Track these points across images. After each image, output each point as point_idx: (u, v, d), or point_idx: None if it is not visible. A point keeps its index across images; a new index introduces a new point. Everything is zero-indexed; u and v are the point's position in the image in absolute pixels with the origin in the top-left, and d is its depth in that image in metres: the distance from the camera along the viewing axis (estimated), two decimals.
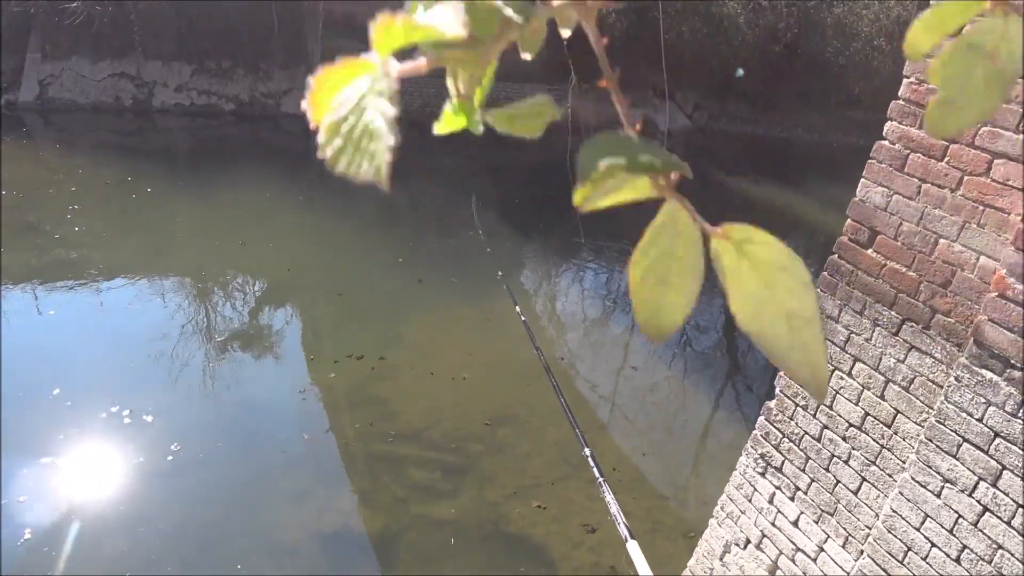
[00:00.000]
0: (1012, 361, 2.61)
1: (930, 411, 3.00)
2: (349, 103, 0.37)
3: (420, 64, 0.39)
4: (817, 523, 3.49)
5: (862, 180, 3.29)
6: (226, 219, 10.87)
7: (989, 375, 2.68)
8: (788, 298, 0.39)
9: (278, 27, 14.99)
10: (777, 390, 3.69)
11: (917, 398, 3.08)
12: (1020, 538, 2.59)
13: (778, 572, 3.69)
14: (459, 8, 0.38)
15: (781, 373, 3.77)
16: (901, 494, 3.00)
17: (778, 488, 3.69)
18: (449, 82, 0.43)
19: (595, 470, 3.44)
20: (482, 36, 0.40)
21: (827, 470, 3.44)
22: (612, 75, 0.43)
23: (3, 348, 6.92)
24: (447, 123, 0.44)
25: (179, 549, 5.04)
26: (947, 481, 2.83)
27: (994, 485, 2.67)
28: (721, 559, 4.05)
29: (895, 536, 3.01)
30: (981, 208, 2.85)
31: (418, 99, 15.52)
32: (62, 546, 4.94)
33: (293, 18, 15.20)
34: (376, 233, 10.96)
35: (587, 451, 3.63)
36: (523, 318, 4.59)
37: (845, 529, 3.36)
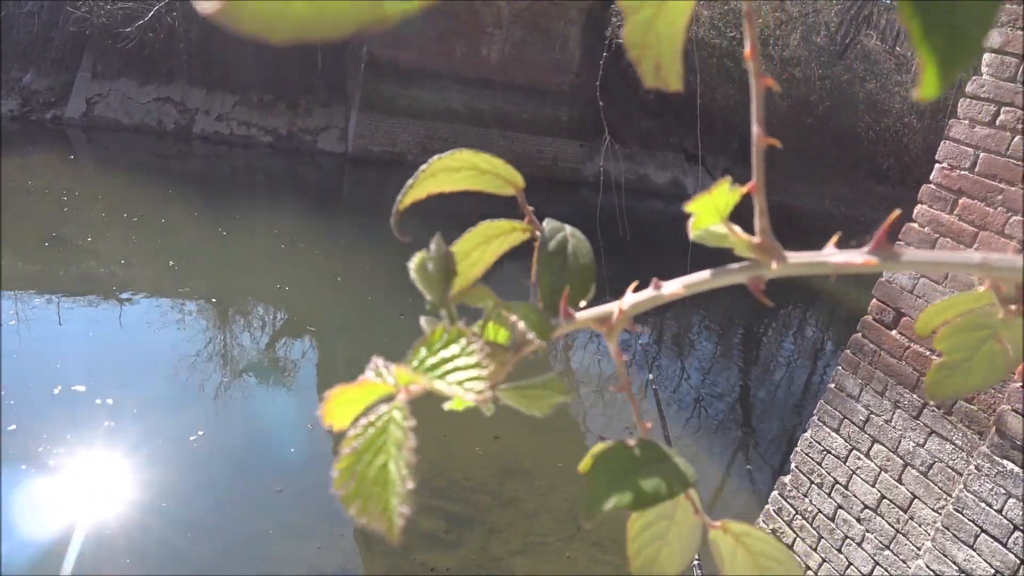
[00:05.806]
0: None
1: (948, 498, 2.95)
2: (365, 438, 0.35)
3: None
4: None
5: None
6: (253, 248, 11.02)
7: (1011, 466, 2.65)
8: None
9: (321, 65, 15.37)
10: (792, 466, 3.65)
11: (935, 484, 3.04)
12: None
13: None
14: (480, 352, 0.37)
15: (798, 448, 3.74)
16: None
17: None
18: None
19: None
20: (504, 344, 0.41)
21: (839, 551, 3.38)
22: (629, 385, 0.46)
23: (16, 356, 6.99)
24: (456, 404, 0.42)
25: None
26: (963, 572, 2.78)
27: None
28: None
29: None
30: None
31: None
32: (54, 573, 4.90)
33: (336, 58, 15.59)
34: (405, 274, 11.01)
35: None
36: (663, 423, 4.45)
37: None
